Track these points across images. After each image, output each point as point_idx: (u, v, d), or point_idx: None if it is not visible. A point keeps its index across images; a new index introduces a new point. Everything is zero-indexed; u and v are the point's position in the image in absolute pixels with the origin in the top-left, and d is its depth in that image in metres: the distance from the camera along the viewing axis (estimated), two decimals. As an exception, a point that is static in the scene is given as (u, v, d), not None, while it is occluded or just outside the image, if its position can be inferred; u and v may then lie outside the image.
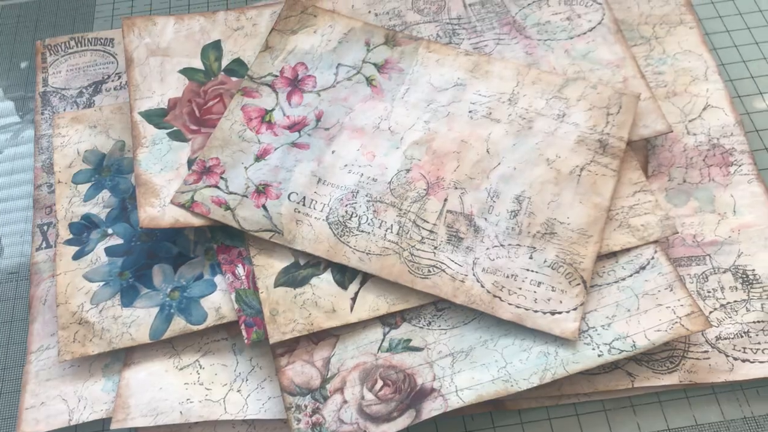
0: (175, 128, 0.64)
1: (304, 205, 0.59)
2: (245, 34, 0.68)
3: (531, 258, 0.57)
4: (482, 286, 0.56)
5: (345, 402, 0.53)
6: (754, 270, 0.58)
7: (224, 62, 0.67)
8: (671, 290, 0.56)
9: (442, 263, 0.57)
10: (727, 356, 0.55)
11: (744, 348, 0.55)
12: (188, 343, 0.58)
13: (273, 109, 0.64)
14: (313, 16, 0.68)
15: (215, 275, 0.59)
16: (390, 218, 0.59)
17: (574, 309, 0.55)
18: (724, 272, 0.59)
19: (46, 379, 0.57)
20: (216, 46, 0.68)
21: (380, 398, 0.53)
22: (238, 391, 0.56)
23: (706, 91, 0.67)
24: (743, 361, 0.55)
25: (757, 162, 0.64)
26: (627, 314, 0.55)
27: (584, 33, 0.68)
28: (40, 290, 0.61)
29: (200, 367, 0.57)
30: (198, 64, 0.67)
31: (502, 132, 0.62)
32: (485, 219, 0.58)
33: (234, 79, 0.66)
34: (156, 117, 0.64)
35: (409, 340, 0.56)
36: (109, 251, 0.61)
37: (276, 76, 0.65)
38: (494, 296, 0.55)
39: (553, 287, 0.55)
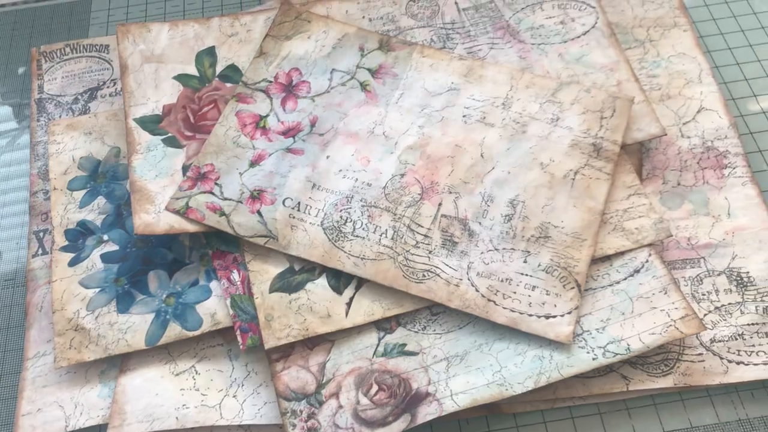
0: (169, 134, 0.64)
1: (298, 210, 0.59)
2: (240, 40, 0.68)
3: (525, 262, 0.57)
4: (477, 291, 0.56)
5: (340, 407, 0.53)
6: (748, 272, 0.59)
7: (219, 68, 0.67)
8: (665, 293, 0.56)
9: (437, 267, 0.57)
10: (721, 359, 0.55)
11: (738, 350, 0.55)
12: (184, 349, 0.58)
13: (267, 115, 0.64)
14: (307, 21, 0.68)
15: (210, 281, 0.59)
16: (385, 223, 0.59)
17: (569, 313, 0.55)
18: (719, 275, 0.59)
19: (43, 385, 0.57)
20: (210, 52, 0.68)
21: (375, 403, 0.53)
22: (234, 396, 0.56)
23: (700, 93, 0.67)
24: (737, 363, 0.55)
25: (751, 164, 0.64)
26: (621, 317, 0.55)
27: (578, 37, 0.68)
28: (37, 297, 0.61)
29: (196, 373, 0.57)
30: (192, 70, 0.67)
31: (496, 136, 0.62)
32: (479, 223, 0.58)
33: (228, 85, 0.66)
34: (151, 123, 0.64)
35: (404, 345, 0.56)
36: (105, 257, 0.61)
37: (270, 81, 0.66)
38: (489, 300, 0.56)
39: (547, 291, 0.56)
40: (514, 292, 0.56)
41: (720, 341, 0.56)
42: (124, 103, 0.65)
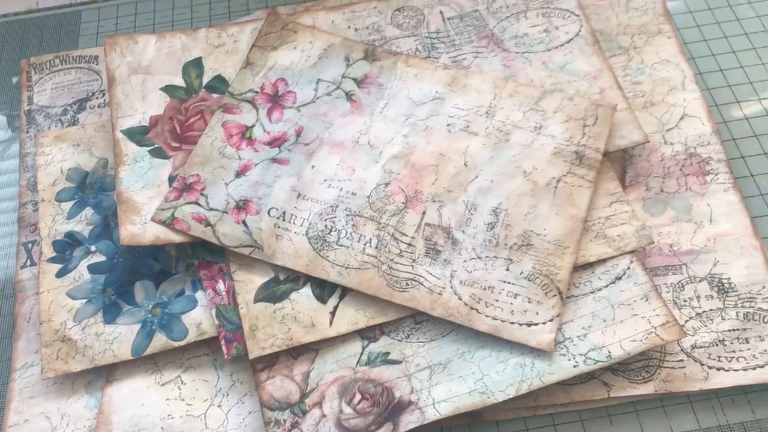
0: (156, 146, 0.64)
1: (283, 220, 0.60)
2: (226, 50, 0.69)
3: (508, 270, 0.57)
4: (459, 299, 0.56)
5: (323, 416, 0.54)
6: (729, 278, 0.59)
7: (205, 79, 0.68)
8: (647, 300, 0.56)
9: (420, 276, 0.57)
10: (702, 365, 0.56)
11: (719, 357, 0.56)
12: (170, 359, 0.59)
13: (253, 125, 0.65)
14: (294, 32, 0.69)
15: (196, 291, 0.60)
16: (369, 232, 0.59)
17: (550, 320, 0.55)
18: (700, 281, 0.59)
19: (30, 396, 0.58)
20: (197, 63, 0.68)
21: (358, 412, 0.54)
22: (219, 406, 0.56)
23: (683, 100, 0.67)
24: (718, 369, 0.55)
25: (734, 170, 0.64)
26: (603, 324, 0.55)
27: (562, 45, 0.68)
28: (25, 308, 0.62)
29: (182, 383, 0.58)
30: (179, 81, 0.68)
31: (479, 145, 0.62)
32: (463, 231, 0.59)
33: (215, 95, 0.67)
34: (138, 135, 0.65)
35: (388, 353, 0.56)
36: (92, 268, 0.61)
37: (257, 92, 0.66)
38: (471, 308, 0.56)
39: (529, 299, 0.56)
40: (497, 300, 0.56)
41: (701, 347, 0.56)
42: (111, 115, 0.66)
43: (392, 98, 0.65)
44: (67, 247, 0.63)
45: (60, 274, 0.61)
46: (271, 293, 0.58)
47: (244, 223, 0.60)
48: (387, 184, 0.61)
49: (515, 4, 0.71)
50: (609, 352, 0.54)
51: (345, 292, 0.58)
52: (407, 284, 0.57)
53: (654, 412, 0.56)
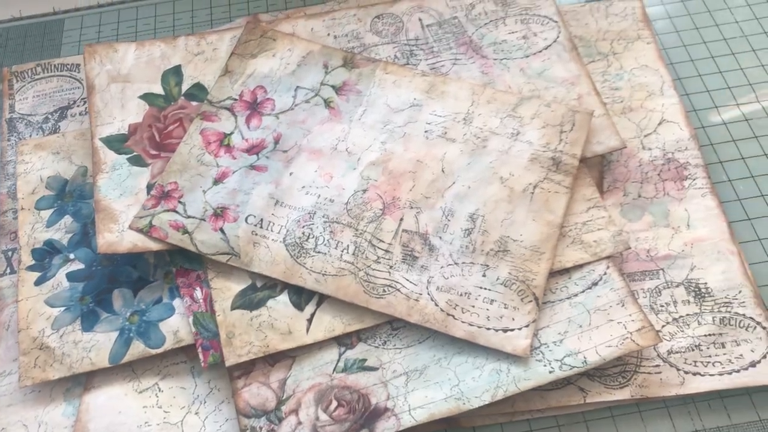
0: (135, 153, 0.64)
1: (261, 227, 0.60)
2: (205, 58, 0.69)
3: (484, 276, 0.57)
4: (436, 305, 0.56)
5: (300, 423, 0.54)
6: (706, 283, 0.59)
7: (184, 87, 0.68)
8: (623, 305, 0.56)
9: (397, 282, 0.58)
10: (678, 370, 0.56)
11: (695, 361, 0.56)
12: (148, 367, 0.59)
13: (232, 133, 0.65)
14: (273, 39, 0.69)
15: (174, 299, 0.60)
16: (346, 239, 0.59)
17: (526, 326, 0.55)
18: (677, 286, 0.59)
19: (8, 404, 0.58)
20: (176, 71, 0.69)
21: (334, 419, 0.54)
22: (196, 413, 0.56)
23: (661, 105, 0.68)
24: (694, 374, 0.55)
25: (711, 175, 0.65)
26: (579, 330, 0.56)
27: (540, 51, 0.69)
28: (4, 316, 0.62)
29: (159, 390, 0.58)
30: (158, 89, 0.68)
31: (457, 151, 0.63)
32: (440, 237, 0.59)
33: (194, 103, 0.67)
34: (116, 143, 0.65)
35: (365, 360, 0.56)
36: (71, 276, 0.61)
37: (235, 99, 0.66)
38: (448, 315, 0.56)
39: (505, 304, 0.56)
40: (473, 306, 0.56)
41: (677, 352, 0.56)
42: (90, 123, 0.66)
43: (370, 105, 0.65)
44: (46, 255, 0.63)
45: (39, 282, 0.61)
46: (248, 300, 0.58)
47: (222, 230, 0.60)
48: (365, 191, 0.61)
49: (494, 11, 0.71)
50: (585, 357, 0.54)
51: (322, 299, 0.58)
52: (384, 291, 0.57)
53: (630, 417, 0.56)
